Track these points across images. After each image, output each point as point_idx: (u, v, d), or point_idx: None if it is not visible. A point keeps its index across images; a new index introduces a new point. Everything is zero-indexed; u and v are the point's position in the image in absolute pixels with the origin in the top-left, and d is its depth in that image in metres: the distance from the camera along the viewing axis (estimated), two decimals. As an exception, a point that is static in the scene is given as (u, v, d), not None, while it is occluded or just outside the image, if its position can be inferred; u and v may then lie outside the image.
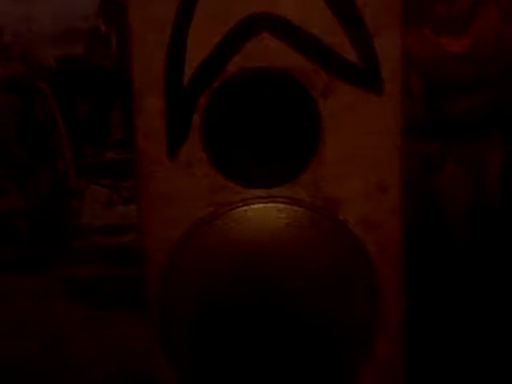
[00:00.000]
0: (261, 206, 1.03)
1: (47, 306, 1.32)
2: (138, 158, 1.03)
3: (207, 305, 1.05)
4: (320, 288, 1.02)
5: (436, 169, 1.34)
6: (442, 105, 1.31)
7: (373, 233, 1.00)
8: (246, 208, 1.03)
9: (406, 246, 1.00)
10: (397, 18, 0.95)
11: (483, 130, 1.34)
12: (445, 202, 1.34)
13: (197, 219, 1.03)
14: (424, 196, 1.33)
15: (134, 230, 1.21)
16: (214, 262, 1.05)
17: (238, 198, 1.03)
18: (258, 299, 1.04)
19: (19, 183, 1.29)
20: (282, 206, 1.02)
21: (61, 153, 1.29)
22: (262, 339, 1.05)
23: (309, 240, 1.02)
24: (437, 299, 1.37)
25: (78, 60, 1.24)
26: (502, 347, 1.38)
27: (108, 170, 1.26)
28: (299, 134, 1.01)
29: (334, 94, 0.97)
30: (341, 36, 0.95)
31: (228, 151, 1.02)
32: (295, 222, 1.02)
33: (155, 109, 1.00)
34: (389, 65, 0.96)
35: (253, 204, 1.03)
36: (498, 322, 1.39)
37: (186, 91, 0.99)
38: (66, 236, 1.30)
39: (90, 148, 1.28)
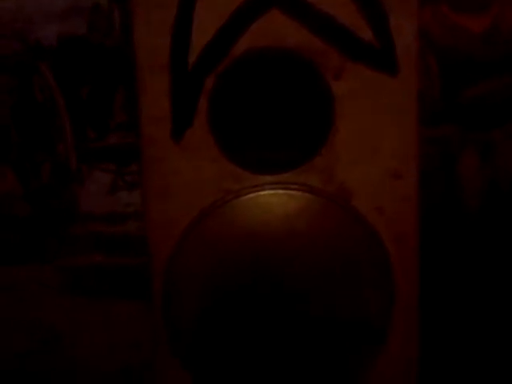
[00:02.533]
0: (271, 192, 1.03)
1: (46, 297, 1.33)
2: (142, 141, 1.03)
3: (214, 293, 1.05)
4: (331, 277, 1.02)
5: (453, 155, 1.34)
6: (459, 87, 1.31)
7: (387, 221, 0.99)
8: (255, 194, 1.03)
9: (421, 234, 0.99)
10: (414, -6, 0.95)
11: (501, 116, 1.33)
12: (462, 189, 1.34)
13: (204, 206, 1.04)
14: (441, 183, 1.33)
15: (138, 218, 1.23)
16: (222, 249, 1.05)
17: (246, 184, 1.03)
18: (266, 287, 1.04)
19: (18, 168, 1.30)
20: (293, 192, 1.02)
21: (61, 136, 1.29)
22: (269, 328, 1.05)
23: (320, 228, 1.02)
24: (452, 289, 1.37)
25: (80, 39, 1.25)
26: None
27: (111, 154, 1.27)
28: (310, 117, 1.00)
29: (347, 75, 0.95)
30: (355, 14, 0.94)
31: (236, 135, 1.01)
32: (306, 209, 1.02)
33: (160, 90, 0.99)
34: (405, 45, 0.94)
35: (263, 190, 1.03)
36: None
37: (192, 72, 0.98)
38: (66, 223, 1.31)
39: (92, 131, 1.28)
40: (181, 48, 0.97)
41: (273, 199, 1.03)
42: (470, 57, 1.32)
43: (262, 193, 1.03)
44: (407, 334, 1.03)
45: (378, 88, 0.95)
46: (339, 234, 1.02)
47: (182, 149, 1.01)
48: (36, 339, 1.35)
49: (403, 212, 0.99)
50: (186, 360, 1.08)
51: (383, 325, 1.02)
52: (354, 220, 1.00)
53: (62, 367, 1.35)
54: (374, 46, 0.93)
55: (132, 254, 1.28)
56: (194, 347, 1.08)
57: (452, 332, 1.38)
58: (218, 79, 0.98)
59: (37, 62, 1.25)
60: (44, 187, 1.30)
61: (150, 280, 1.10)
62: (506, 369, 1.38)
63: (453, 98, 1.32)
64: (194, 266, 1.07)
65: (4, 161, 1.30)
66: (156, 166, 1.04)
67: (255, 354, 1.06)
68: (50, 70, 1.26)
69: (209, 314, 1.06)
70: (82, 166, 1.29)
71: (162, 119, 1.00)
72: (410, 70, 0.95)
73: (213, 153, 1.02)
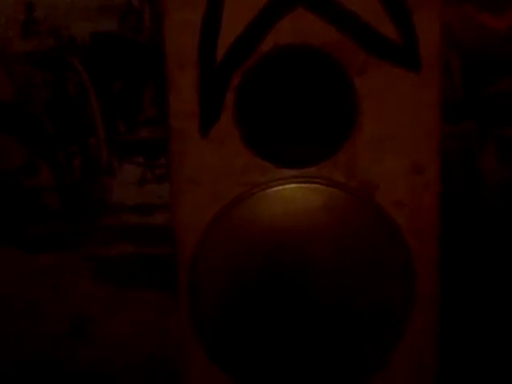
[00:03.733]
0: (295, 185, 1.02)
1: (78, 284, 1.33)
2: (170, 135, 1.03)
3: (237, 284, 1.05)
4: (353, 271, 1.02)
5: (474, 150, 1.32)
6: (481, 84, 1.29)
7: (408, 215, 0.99)
8: (279, 188, 1.02)
9: (442, 228, 0.99)
10: (437, -7, 0.94)
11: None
12: (482, 184, 1.33)
13: (230, 198, 1.04)
14: (461, 178, 1.31)
15: (166, 210, 1.22)
16: (246, 242, 1.04)
17: (270, 178, 1.02)
18: (288, 280, 1.03)
19: (51, 160, 1.30)
20: (316, 186, 1.01)
21: (93, 130, 1.29)
22: (290, 320, 1.04)
23: (342, 221, 1.01)
24: (472, 283, 1.36)
25: (112, 36, 1.24)
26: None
27: (140, 147, 1.26)
28: (335, 112, 1.00)
29: (370, 71, 0.95)
30: (379, 12, 0.94)
31: (261, 130, 1.01)
32: (329, 202, 1.01)
33: (189, 86, 0.99)
34: (428, 42, 0.94)
35: (286, 184, 1.02)
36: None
37: (219, 68, 0.98)
38: (96, 214, 1.31)
39: (122, 125, 1.28)
40: (209, 45, 0.97)
41: (296, 193, 1.02)
42: (492, 54, 1.30)
43: (286, 186, 1.02)
44: (427, 328, 1.02)
45: (401, 84, 0.95)
46: (361, 227, 1.01)
47: (208, 142, 1.01)
48: (67, 324, 1.35)
49: (424, 206, 0.99)
50: (210, 348, 1.08)
51: (403, 318, 1.01)
52: (375, 214, 1.00)
53: (91, 352, 1.35)
54: (397, 43, 0.93)
55: (160, 245, 1.27)
56: (218, 336, 1.07)
57: (472, 326, 1.36)
58: (244, 75, 0.98)
59: (70, 57, 1.26)
60: (76, 179, 1.30)
61: (176, 270, 1.10)
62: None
63: (474, 95, 1.31)
64: (219, 257, 1.07)
65: (38, 153, 1.30)
66: (184, 159, 1.03)
67: (276, 344, 1.06)
68: (83, 65, 1.26)
69: (232, 304, 1.06)
70: (112, 159, 1.29)
71: (190, 114, 1.00)
72: (433, 67, 0.95)
73: (238, 146, 1.02)
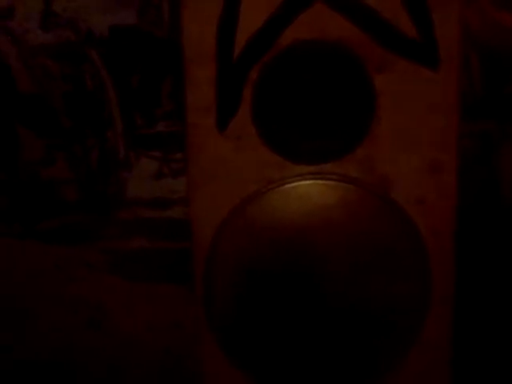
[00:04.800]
0: (310, 182, 1.02)
1: (93, 277, 1.34)
2: (187, 130, 1.03)
3: (252, 279, 1.06)
4: (368, 267, 1.02)
5: (492, 149, 1.32)
6: (500, 83, 1.29)
7: (425, 213, 0.99)
8: (296, 184, 1.03)
9: (459, 226, 0.99)
10: (457, -10, 0.93)
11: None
12: (500, 183, 1.33)
13: (246, 194, 1.04)
14: (479, 176, 1.31)
15: (182, 204, 1.23)
16: (261, 237, 1.05)
17: (287, 174, 1.02)
18: (303, 276, 1.04)
19: (68, 153, 1.30)
20: (331, 182, 1.02)
21: (111, 123, 1.29)
22: (303, 316, 1.05)
23: (358, 219, 1.01)
24: (488, 281, 1.35)
25: (130, 29, 1.25)
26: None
27: (158, 141, 1.27)
28: (352, 108, 1.00)
29: (389, 68, 0.96)
30: (398, 8, 0.93)
31: (278, 125, 1.01)
32: (345, 199, 1.01)
33: (206, 81, 0.99)
34: (447, 40, 0.94)
35: (302, 180, 1.02)
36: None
37: (237, 64, 0.99)
38: (112, 208, 1.32)
39: (140, 119, 1.28)
40: (227, 39, 0.97)
41: (312, 189, 1.02)
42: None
43: (302, 182, 1.02)
44: (442, 325, 1.02)
45: (420, 81, 0.95)
46: (377, 224, 1.01)
47: (225, 137, 1.02)
48: (83, 317, 1.36)
49: (441, 204, 0.99)
50: (224, 342, 1.09)
51: (419, 316, 1.02)
52: (392, 211, 1.00)
53: (106, 344, 1.36)
54: (416, 40, 0.93)
55: (176, 239, 1.28)
56: (231, 330, 1.08)
57: (487, 325, 1.36)
58: (262, 70, 0.98)
59: (88, 50, 1.26)
60: (92, 172, 1.30)
61: (192, 264, 1.10)
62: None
63: (493, 94, 1.30)
64: (234, 252, 1.07)
65: (55, 146, 1.30)
66: (200, 153, 1.04)
67: (290, 339, 1.06)
68: (101, 58, 1.26)
69: (246, 299, 1.06)
70: (129, 153, 1.29)
71: (207, 108, 1.00)
72: (452, 65, 0.94)
73: (255, 142, 1.02)
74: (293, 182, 1.02)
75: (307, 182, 1.03)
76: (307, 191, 1.02)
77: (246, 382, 1.11)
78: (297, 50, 0.98)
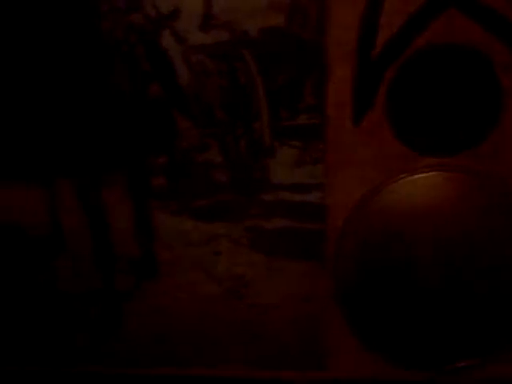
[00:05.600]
0: (435, 173, 1.05)
1: (236, 251, 1.38)
2: (326, 123, 1.07)
3: (377, 260, 1.10)
4: (495, 255, 1.04)
5: None
6: None
7: None
8: (423, 175, 1.06)
9: None
10: None
11: None
12: None
13: (375, 183, 1.09)
14: None
15: (319, 189, 1.25)
16: (389, 223, 1.08)
17: (414, 165, 1.05)
18: (428, 261, 1.06)
19: (220, 141, 1.35)
20: (451, 174, 1.03)
21: (258, 115, 1.32)
22: (422, 299, 1.08)
23: (480, 211, 1.04)
24: None
25: (279, 31, 1.26)
26: None
27: (299, 132, 1.26)
28: (481, 106, 1.02)
29: None
30: None
31: (410, 121, 1.04)
32: (467, 192, 1.03)
33: (345, 79, 1.04)
34: None
35: (428, 172, 1.05)
36: None
37: (374, 63, 1.02)
38: (257, 190, 1.35)
39: (284, 112, 1.29)
40: (367, 40, 1.02)
41: (436, 180, 1.04)
42: None
43: (428, 174, 1.05)
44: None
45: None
46: (498, 218, 1.03)
47: (360, 130, 1.06)
48: (226, 287, 1.41)
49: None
50: (349, 318, 1.14)
51: None
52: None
53: (244, 313, 1.40)
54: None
55: (312, 220, 1.26)
56: (355, 308, 1.13)
57: None
58: (398, 70, 1.03)
59: (241, 49, 1.30)
60: (241, 158, 1.34)
61: (325, 243, 1.13)
62: None
63: None
64: (361, 235, 1.09)
65: (209, 135, 1.34)
66: (337, 144, 1.08)
67: (408, 320, 1.09)
68: (253, 57, 1.29)
69: (367, 278, 1.10)
70: (274, 142, 1.31)
71: (345, 104, 1.05)
72: None
73: (387, 135, 1.05)
74: (421, 172, 1.05)
75: (432, 173, 1.05)
76: (433, 182, 1.05)
77: (368, 353, 1.14)
78: (430, 51, 1.02)
